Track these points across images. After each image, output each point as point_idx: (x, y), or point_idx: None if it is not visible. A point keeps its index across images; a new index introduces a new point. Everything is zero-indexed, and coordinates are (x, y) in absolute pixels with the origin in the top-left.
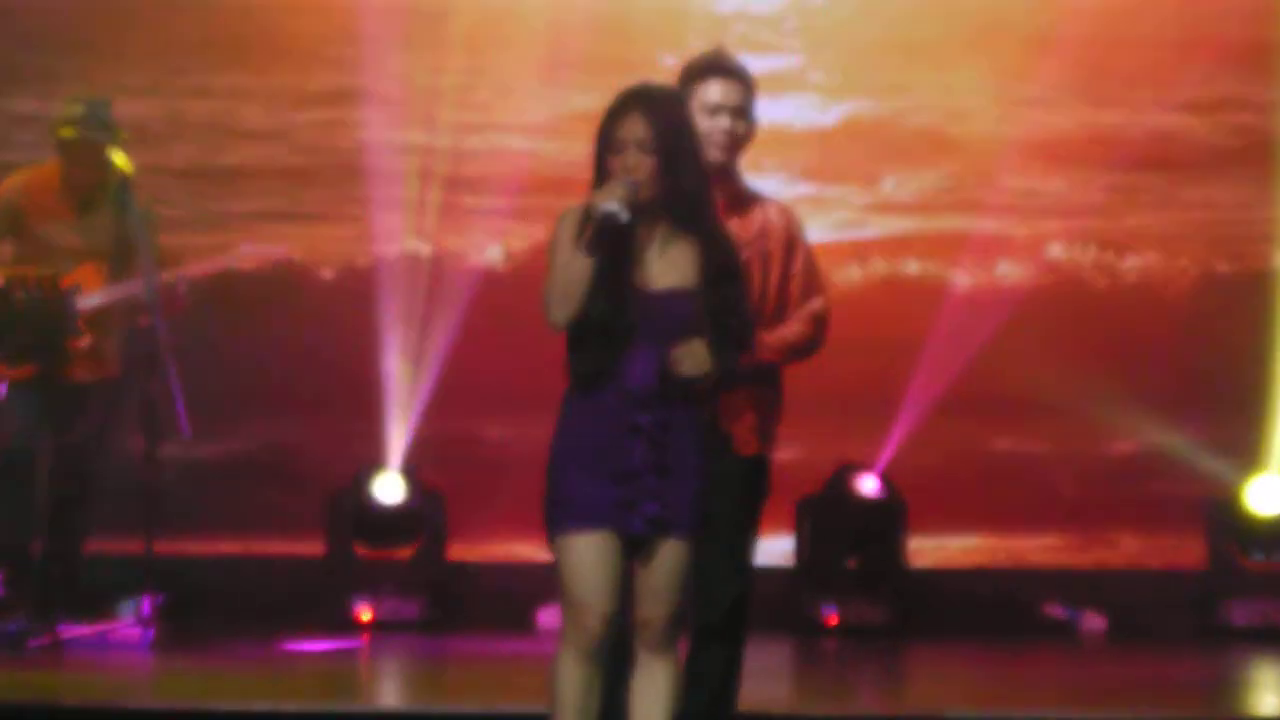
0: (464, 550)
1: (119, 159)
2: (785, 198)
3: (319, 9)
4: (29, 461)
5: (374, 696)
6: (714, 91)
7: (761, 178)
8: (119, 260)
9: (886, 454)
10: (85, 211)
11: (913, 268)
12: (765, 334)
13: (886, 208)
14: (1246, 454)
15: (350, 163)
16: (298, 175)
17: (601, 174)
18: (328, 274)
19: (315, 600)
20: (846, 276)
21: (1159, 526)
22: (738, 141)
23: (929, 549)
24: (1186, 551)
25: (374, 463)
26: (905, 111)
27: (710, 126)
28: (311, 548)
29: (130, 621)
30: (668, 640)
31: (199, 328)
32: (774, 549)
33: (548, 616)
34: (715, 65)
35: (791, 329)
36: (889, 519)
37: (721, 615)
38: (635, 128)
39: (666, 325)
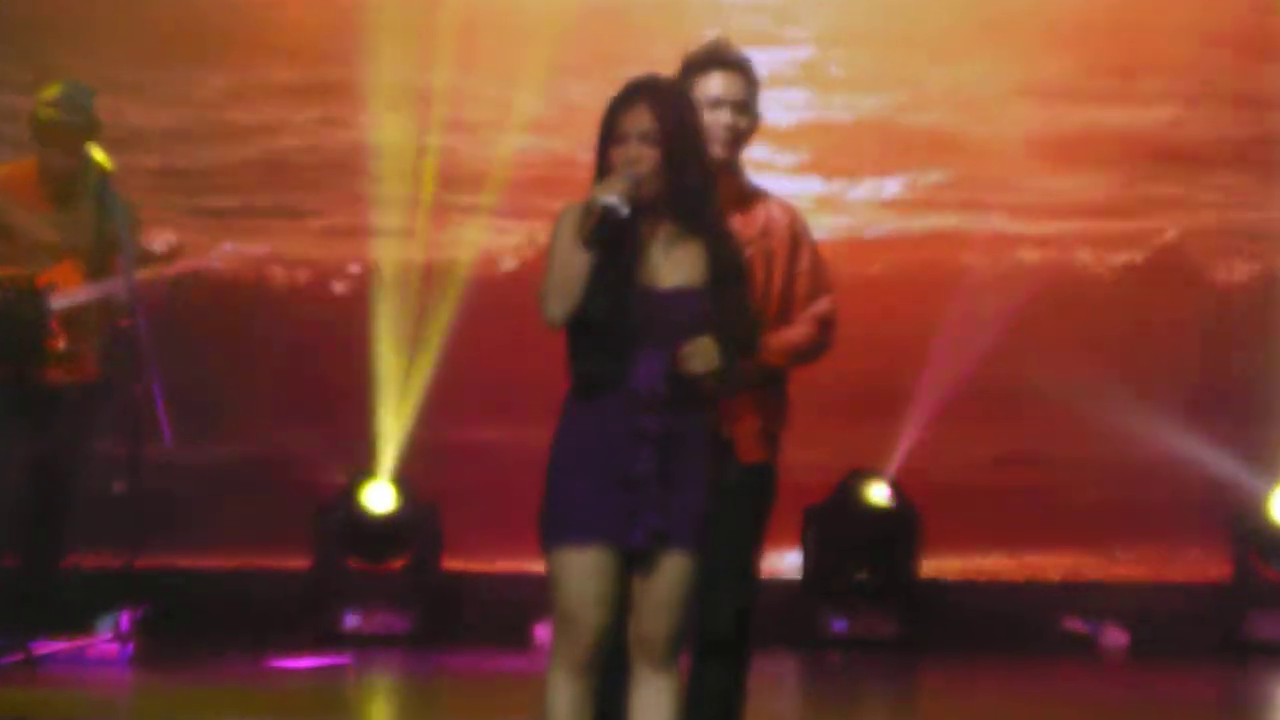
0: (458, 561)
1: (99, 155)
2: (787, 194)
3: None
4: (2, 469)
5: (363, 715)
6: (715, 84)
7: (763, 174)
8: (98, 258)
9: (897, 460)
10: (64, 206)
11: (923, 266)
12: (769, 336)
13: (894, 204)
14: (1271, 462)
15: (339, 160)
16: (284, 174)
17: (603, 167)
18: (315, 276)
19: (302, 614)
20: (854, 274)
21: (1181, 538)
22: (739, 136)
23: (942, 559)
24: (1209, 564)
25: (363, 470)
26: (914, 105)
27: (710, 121)
28: (298, 559)
29: (108, 637)
30: (669, 656)
31: (180, 331)
32: (780, 559)
33: (545, 630)
34: (716, 57)
35: (796, 331)
36: (900, 528)
37: (725, 629)
38: (640, 119)
39: (673, 326)
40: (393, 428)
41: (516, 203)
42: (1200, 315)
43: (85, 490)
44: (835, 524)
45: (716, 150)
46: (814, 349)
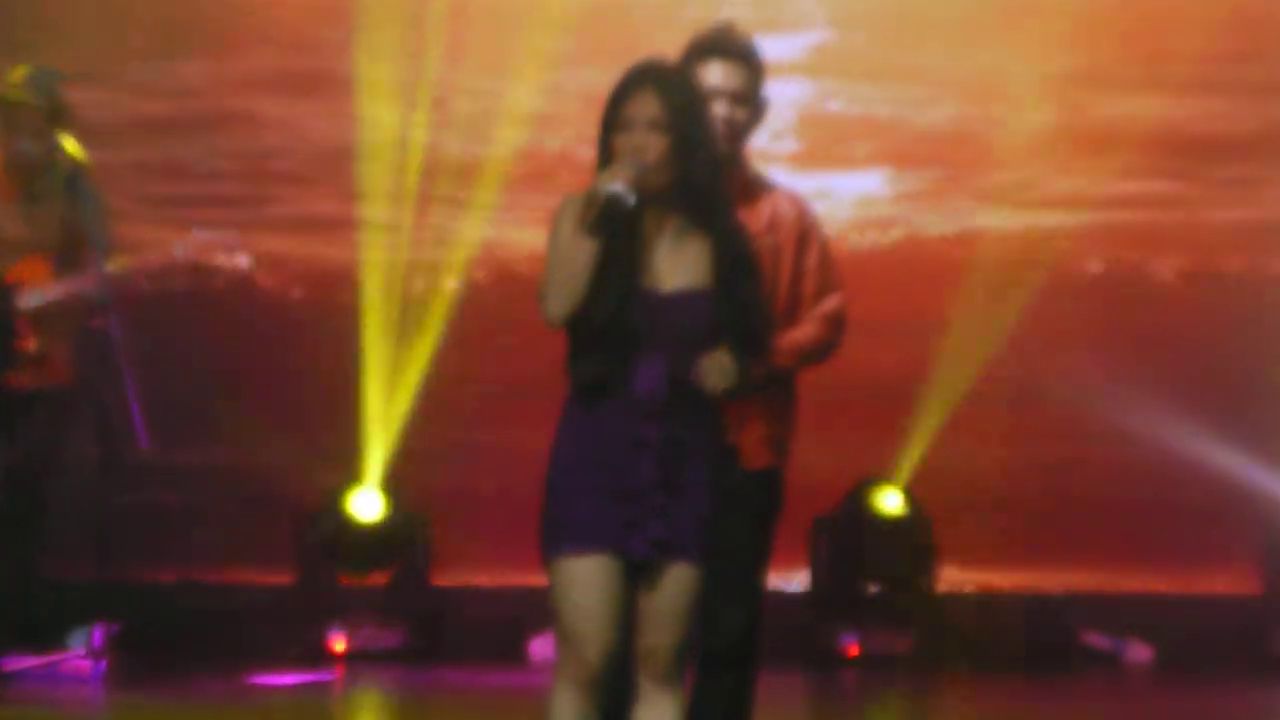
0: (449, 574)
1: (71, 146)
2: (793, 186)
3: None
4: None
5: None
6: (712, 74)
7: (768, 164)
8: (67, 253)
9: (910, 467)
10: (31, 200)
11: (940, 263)
12: (776, 337)
13: (902, 199)
14: None
15: (328, 155)
16: (272, 169)
17: (607, 155)
18: (300, 276)
19: (286, 629)
20: (866, 271)
21: (1208, 550)
22: (736, 129)
23: (958, 571)
24: (1237, 577)
25: (349, 479)
26: (929, 95)
27: None
28: (281, 572)
29: (81, 652)
30: (673, 671)
31: (157, 332)
32: (787, 572)
33: (540, 646)
34: (715, 45)
35: (805, 331)
36: (914, 538)
37: (730, 644)
38: (647, 105)
39: (677, 330)
40: (381, 434)
41: (513, 200)
42: (1231, 317)
43: (58, 499)
44: (845, 534)
45: None
46: (823, 349)
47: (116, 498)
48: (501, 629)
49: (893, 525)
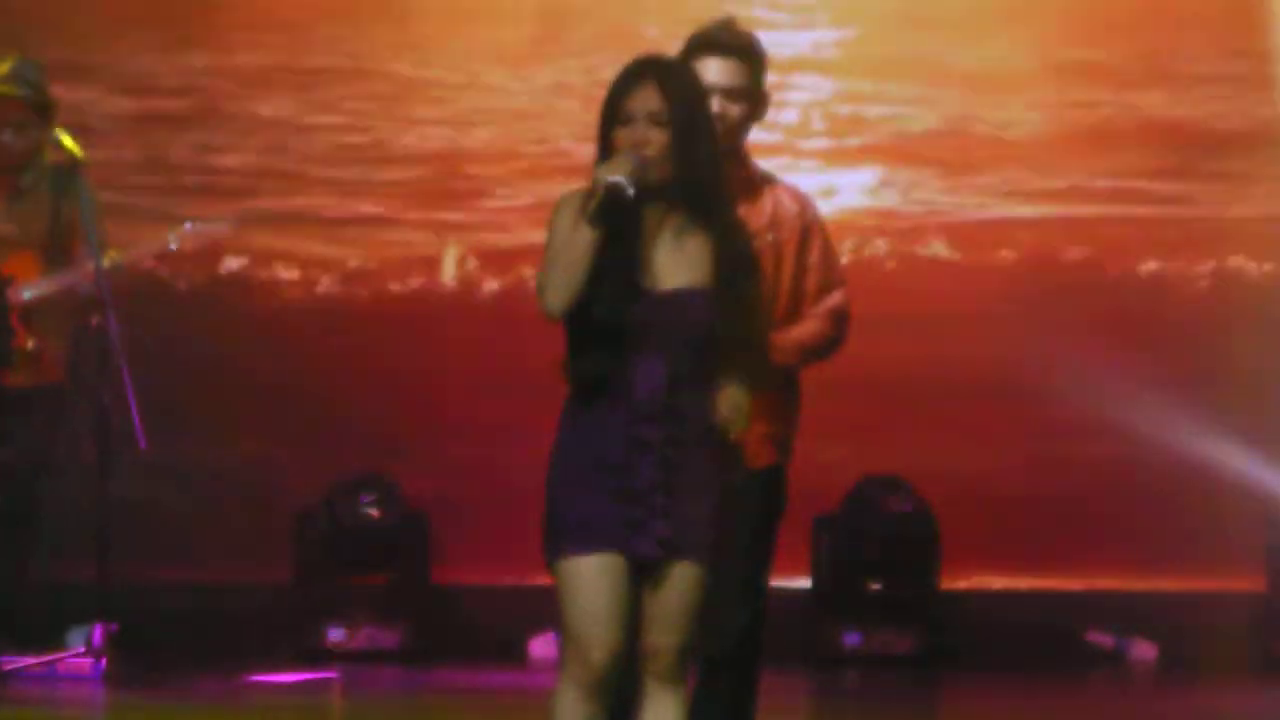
0: (449, 573)
1: (68, 141)
2: (799, 183)
3: None
4: None
5: None
6: (706, 70)
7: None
8: (57, 249)
9: (915, 464)
10: (18, 195)
11: (946, 259)
12: (778, 334)
13: (913, 192)
14: None
15: (324, 153)
16: (266, 167)
17: (607, 150)
18: (297, 274)
19: (283, 629)
20: (869, 267)
21: (1213, 548)
22: (730, 125)
23: (962, 570)
24: (1243, 575)
25: (348, 477)
26: (931, 91)
27: None
28: (279, 571)
29: (80, 651)
30: (678, 671)
31: (155, 331)
32: (789, 570)
33: (541, 646)
34: (709, 41)
35: (807, 327)
36: (918, 536)
37: (732, 643)
38: (648, 99)
39: (677, 329)
40: (379, 431)
41: (510, 200)
42: (1234, 314)
43: (55, 498)
44: (848, 532)
45: None
46: (826, 346)
47: (115, 497)
48: (502, 628)
49: (897, 523)
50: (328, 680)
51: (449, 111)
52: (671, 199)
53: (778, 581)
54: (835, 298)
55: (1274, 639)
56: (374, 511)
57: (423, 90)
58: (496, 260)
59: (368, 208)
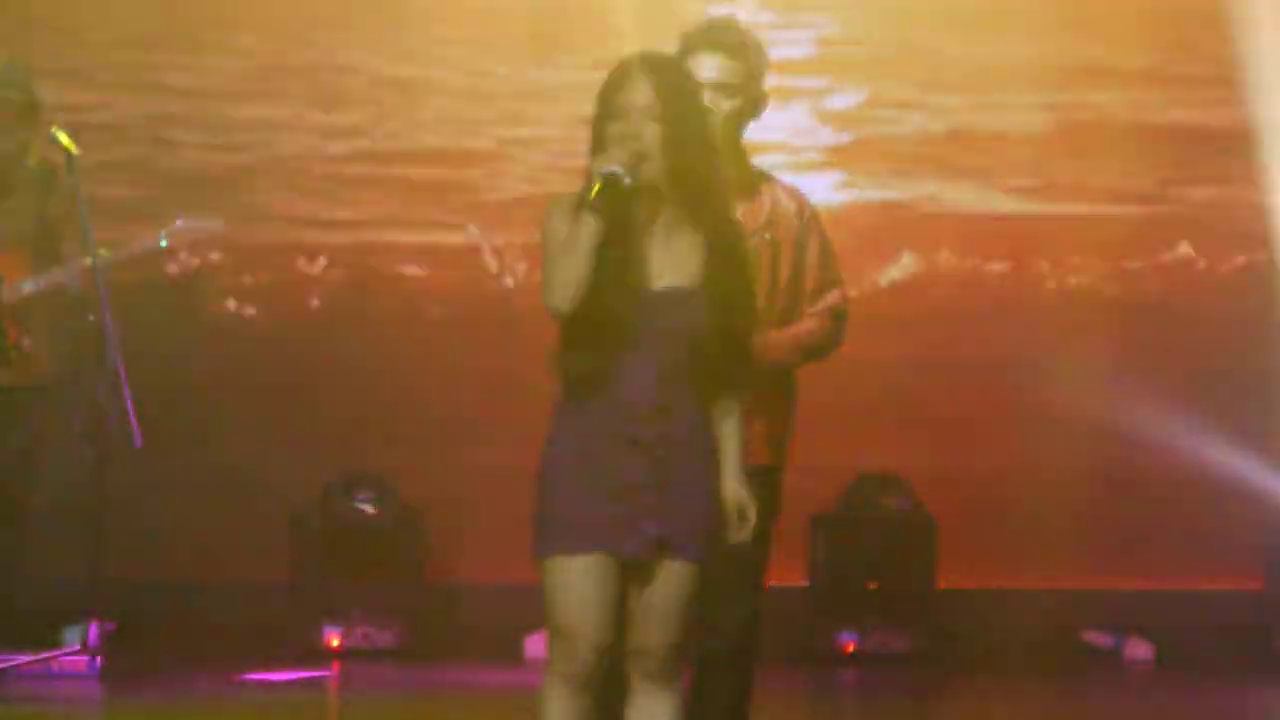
0: (444, 572)
1: (64, 139)
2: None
3: None
4: None
5: None
6: (699, 67)
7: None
8: (44, 247)
9: (911, 463)
10: (5, 194)
11: (944, 259)
12: (776, 333)
13: (912, 193)
14: None
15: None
16: (261, 169)
17: (599, 144)
18: (295, 274)
19: (279, 627)
20: (867, 266)
21: (1209, 546)
22: (724, 123)
23: (960, 569)
24: (1239, 572)
25: (343, 476)
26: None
27: None
28: (275, 570)
29: (76, 650)
30: (669, 670)
31: (153, 330)
32: (785, 569)
33: (537, 645)
34: (703, 38)
35: (805, 327)
36: (915, 535)
37: (729, 642)
38: (640, 93)
39: (666, 328)
40: (374, 430)
41: (508, 198)
42: (1232, 313)
43: (49, 496)
44: (845, 531)
45: None
46: (824, 345)
47: (110, 495)
48: (498, 627)
49: (894, 522)
50: (324, 679)
51: (447, 112)
52: (663, 195)
53: (773, 580)
54: (832, 297)
55: (1271, 638)
56: (370, 510)
57: (420, 91)
58: (496, 260)
59: (364, 207)
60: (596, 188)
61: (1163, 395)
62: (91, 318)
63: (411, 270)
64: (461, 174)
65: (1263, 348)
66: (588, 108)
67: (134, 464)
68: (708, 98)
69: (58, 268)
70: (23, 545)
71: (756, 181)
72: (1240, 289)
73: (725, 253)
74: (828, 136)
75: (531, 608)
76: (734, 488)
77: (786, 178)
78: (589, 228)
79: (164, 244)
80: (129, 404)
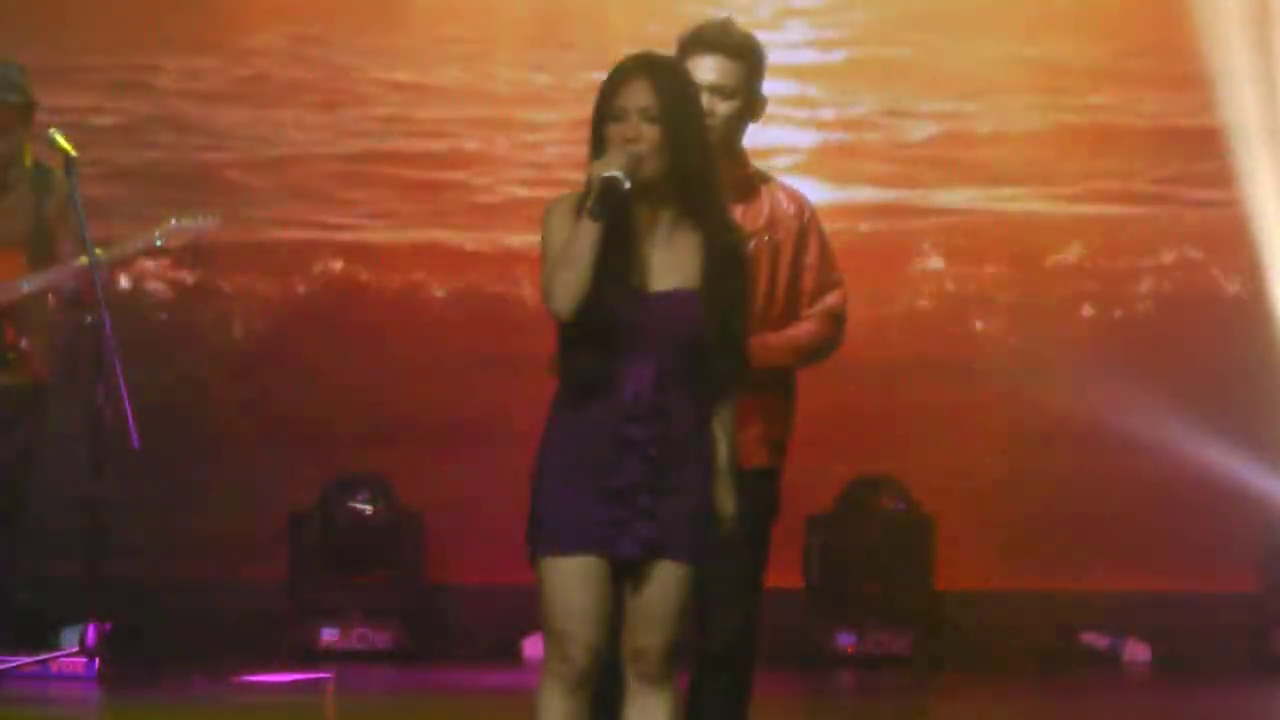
0: (442, 572)
1: (62, 140)
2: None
3: None
4: None
5: None
6: (696, 68)
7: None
8: (38, 247)
9: (908, 465)
10: (1, 194)
11: (941, 261)
12: (774, 334)
13: (909, 195)
14: None
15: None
16: (257, 169)
17: (599, 145)
18: (290, 275)
19: (278, 628)
20: (865, 266)
21: (1207, 548)
22: (718, 123)
23: (957, 570)
24: (1236, 574)
25: (342, 477)
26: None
27: None
28: (272, 570)
29: (73, 651)
30: (664, 672)
31: (150, 330)
32: (781, 570)
33: (535, 646)
34: (703, 39)
35: (804, 328)
36: (911, 537)
37: (726, 644)
38: (639, 95)
39: (665, 331)
40: (373, 431)
41: (507, 199)
42: (1228, 315)
43: (47, 497)
44: (842, 532)
45: None
46: (823, 346)
47: (108, 496)
48: (496, 628)
49: (892, 522)
50: (322, 680)
51: (446, 113)
52: (662, 196)
53: (771, 582)
54: (832, 298)
55: (1268, 639)
56: (367, 511)
57: (420, 93)
58: (493, 261)
59: (363, 208)
60: (597, 192)
61: (1160, 397)
62: (89, 319)
63: (410, 271)
64: (461, 175)
65: (1260, 350)
66: (586, 110)
67: (131, 465)
68: (705, 100)
69: (54, 268)
70: (20, 546)
71: (756, 183)
72: (1239, 291)
73: (723, 255)
74: (825, 139)
75: (529, 609)
76: (719, 493)
77: (785, 179)
78: (590, 232)
79: (159, 243)
80: (127, 405)
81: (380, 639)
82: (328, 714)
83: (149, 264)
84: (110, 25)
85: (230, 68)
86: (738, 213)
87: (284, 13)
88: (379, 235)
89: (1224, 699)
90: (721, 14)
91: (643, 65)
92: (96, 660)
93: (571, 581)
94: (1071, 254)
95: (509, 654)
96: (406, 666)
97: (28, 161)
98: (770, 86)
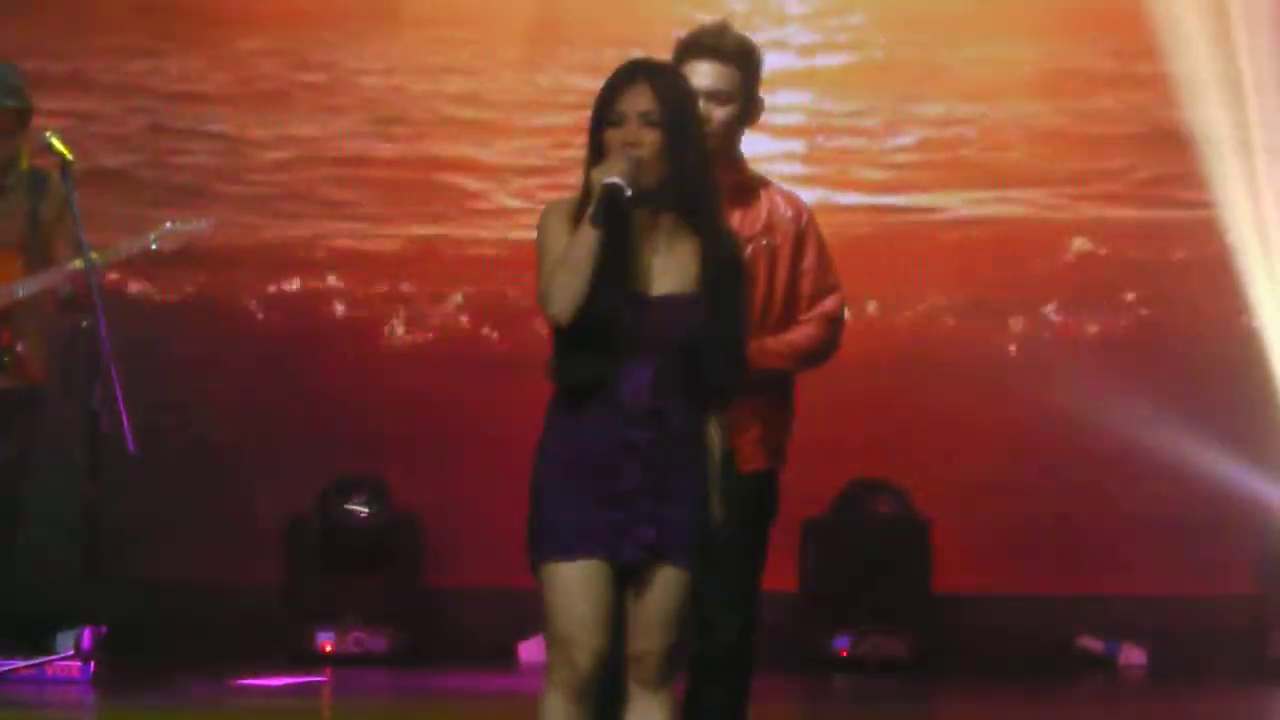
0: (439, 576)
1: (58, 143)
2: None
3: None
4: None
5: None
6: (695, 74)
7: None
8: (34, 250)
9: (904, 468)
10: None
11: (935, 260)
12: (772, 339)
13: (906, 198)
14: None
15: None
16: (254, 169)
17: (598, 150)
18: (289, 277)
19: (273, 631)
20: (862, 268)
21: (1203, 551)
22: (714, 129)
23: (953, 574)
24: (1232, 578)
25: (338, 480)
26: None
27: None
28: (269, 574)
29: (69, 654)
30: (663, 676)
31: (145, 330)
32: (778, 574)
33: (530, 649)
34: (698, 45)
35: (802, 332)
36: (908, 540)
37: (724, 649)
38: (640, 99)
39: (665, 334)
40: (370, 432)
41: (503, 203)
42: (1222, 314)
43: (43, 501)
44: (837, 536)
45: None
46: (821, 350)
47: (104, 500)
48: (492, 631)
49: (887, 526)
50: (318, 683)
51: (443, 117)
52: (662, 201)
53: (767, 586)
54: (830, 302)
55: (1263, 643)
56: (364, 514)
57: (416, 95)
58: (491, 264)
59: (359, 210)
60: (599, 199)
61: (1156, 402)
62: (85, 322)
63: (407, 274)
64: (458, 179)
65: (1256, 351)
66: (584, 114)
67: (128, 468)
68: (702, 106)
69: (50, 271)
70: (16, 550)
71: (754, 187)
72: (1238, 293)
73: (721, 260)
74: (823, 142)
75: (526, 613)
76: (711, 498)
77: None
78: (590, 238)
79: (154, 246)
80: (123, 408)
81: (377, 642)
82: (323, 718)
83: (145, 267)
84: (107, 29)
85: (227, 71)
86: (736, 217)
87: (282, 14)
88: (376, 238)
89: (1220, 703)
90: (717, 18)
91: (642, 70)
92: (92, 664)
93: (575, 587)
94: (1070, 257)
95: (506, 657)
96: (403, 669)
97: (24, 165)
98: (767, 90)
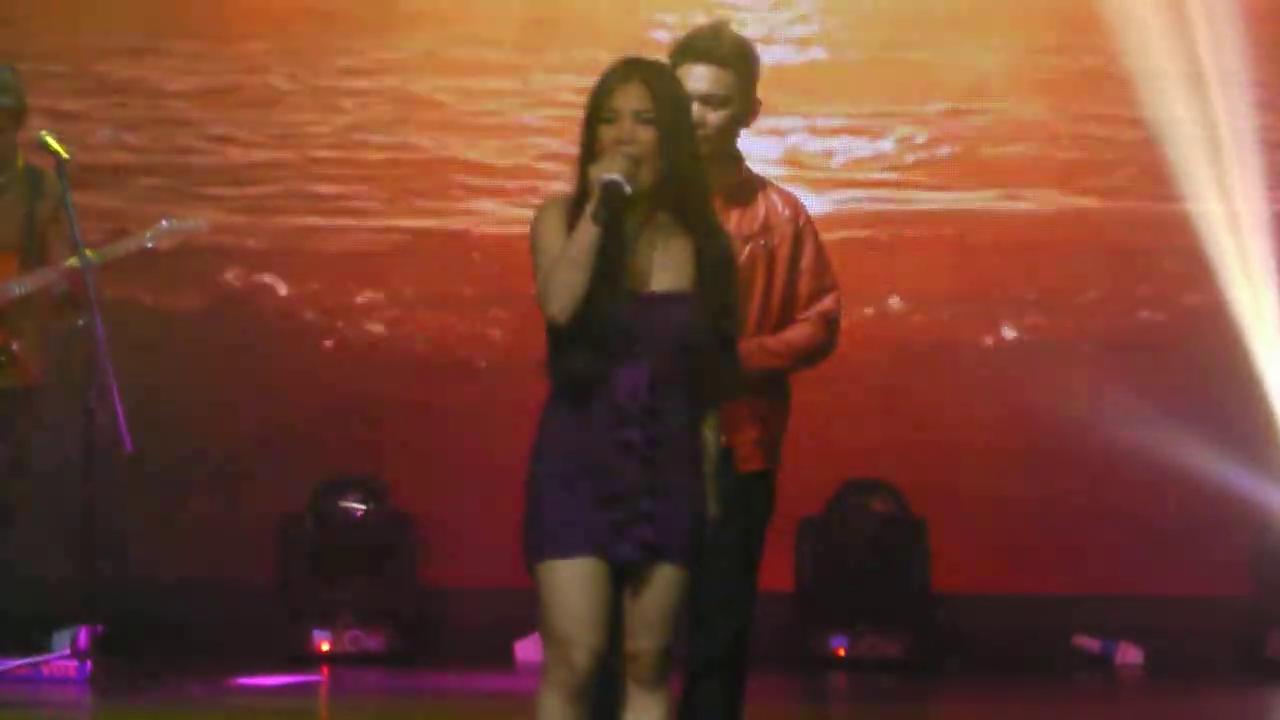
0: (435, 575)
1: (53, 142)
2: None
3: None
4: None
5: None
6: (689, 77)
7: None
8: (30, 249)
9: (900, 467)
10: None
11: (932, 259)
12: (769, 338)
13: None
14: None
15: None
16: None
17: (592, 147)
18: (287, 277)
19: (269, 631)
20: (857, 267)
21: (1198, 552)
22: (709, 133)
23: (949, 574)
24: (1228, 577)
25: (334, 479)
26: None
27: None
28: (264, 573)
29: (65, 654)
30: (660, 675)
31: (140, 331)
32: (773, 573)
33: (527, 649)
34: (693, 48)
35: (799, 331)
36: (903, 540)
37: (720, 648)
38: (635, 97)
39: (661, 332)
40: (365, 432)
41: (499, 202)
42: (1221, 315)
43: (39, 500)
44: (833, 535)
45: None
46: (818, 350)
47: (100, 499)
48: (488, 631)
49: (881, 526)
50: (313, 683)
51: (439, 116)
52: (656, 198)
53: (762, 585)
54: (827, 302)
55: (1259, 643)
56: (360, 514)
57: (413, 95)
58: (487, 262)
59: (354, 206)
60: (599, 196)
61: (1152, 401)
62: (81, 320)
63: (402, 273)
64: (454, 177)
65: (1252, 353)
66: (577, 112)
67: (123, 468)
68: (696, 110)
69: (46, 270)
70: (12, 549)
71: (752, 187)
72: (1237, 294)
73: (716, 258)
74: (821, 142)
75: (522, 612)
76: (707, 497)
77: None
78: (591, 235)
79: (150, 245)
80: (119, 408)
81: (372, 641)
82: (319, 717)
83: (140, 265)
84: (104, 29)
85: (224, 71)
86: (734, 217)
87: (280, 14)
88: (370, 237)
89: (1216, 702)
90: (712, 20)
91: (636, 68)
92: (88, 663)
93: (572, 586)
94: (1066, 257)
95: (501, 657)
96: (399, 669)
97: (20, 164)
98: (765, 90)
